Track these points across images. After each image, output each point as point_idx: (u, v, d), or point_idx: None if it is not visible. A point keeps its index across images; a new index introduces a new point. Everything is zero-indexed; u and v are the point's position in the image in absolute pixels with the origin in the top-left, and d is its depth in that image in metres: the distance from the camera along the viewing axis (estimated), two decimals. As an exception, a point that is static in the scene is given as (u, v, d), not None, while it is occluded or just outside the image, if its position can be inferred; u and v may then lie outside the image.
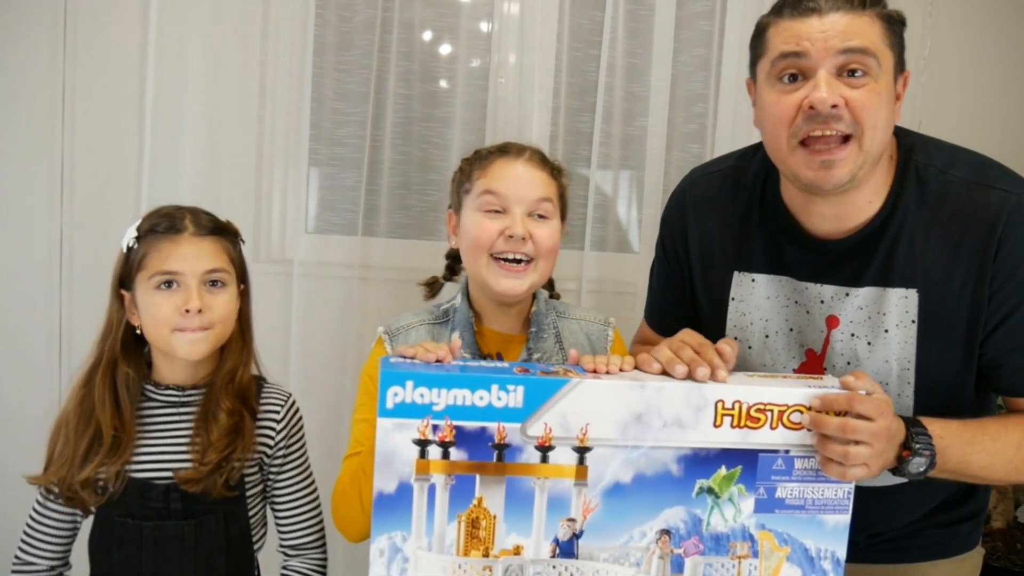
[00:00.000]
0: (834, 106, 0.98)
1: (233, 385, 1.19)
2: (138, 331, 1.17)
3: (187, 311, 1.12)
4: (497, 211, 1.16)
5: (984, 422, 1.06)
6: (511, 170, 1.17)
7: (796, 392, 0.93)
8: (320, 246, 2.04)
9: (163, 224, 1.16)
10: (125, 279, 1.17)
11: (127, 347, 1.18)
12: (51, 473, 1.15)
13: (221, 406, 1.17)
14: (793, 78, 1.02)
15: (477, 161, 1.21)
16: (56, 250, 1.94)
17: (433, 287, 1.35)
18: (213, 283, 1.16)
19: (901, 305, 1.07)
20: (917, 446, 0.97)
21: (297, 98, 1.95)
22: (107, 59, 1.91)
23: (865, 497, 1.01)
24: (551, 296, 1.31)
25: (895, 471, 0.98)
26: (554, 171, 1.21)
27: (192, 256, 1.15)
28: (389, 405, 0.89)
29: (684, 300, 1.29)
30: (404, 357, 0.96)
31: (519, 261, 1.15)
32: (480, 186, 1.17)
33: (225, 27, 1.90)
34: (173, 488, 1.14)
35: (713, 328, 1.21)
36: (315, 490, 1.28)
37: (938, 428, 1.00)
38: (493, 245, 1.14)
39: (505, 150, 1.20)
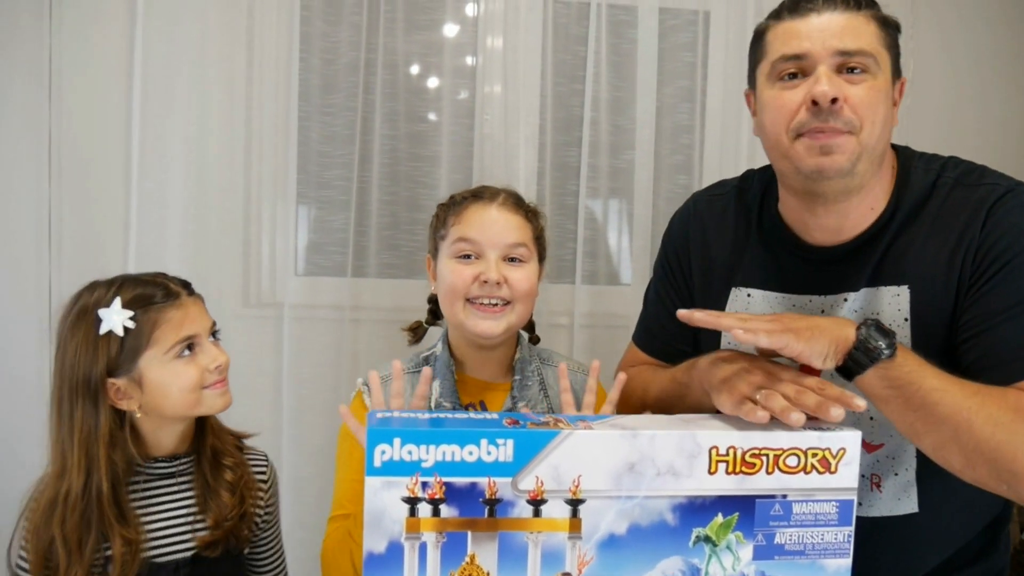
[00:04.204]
0: (834, 100, 0.99)
1: (221, 441, 1.20)
2: (138, 414, 1.10)
3: (216, 367, 1.12)
4: (471, 256, 1.15)
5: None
6: (485, 215, 1.17)
7: (790, 436, 0.91)
8: (310, 288, 2.03)
9: (159, 294, 1.12)
10: (119, 365, 1.08)
11: (115, 442, 1.09)
12: None
13: (223, 462, 1.17)
14: (793, 76, 1.03)
15: (452, 207, 1.20)
16: (45, 298, 1.92)
17: (417, 332, 1.34)
18: (214, 335, 1.17)
19: (893, 303, 1.07)
20: (871, 322, 0.93)
21: (283, 142, 1.95)
22: (92, 105, 1.91)
23: (871, 537, 0.97)
24: (531, 340, 1.29)
25: (857, 349, 0.93)
26: (529, 213, 1.21)
27: (198, 316, 1.15)
28: (377, 463, 0.87)
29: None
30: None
31: (495, 304, 1.14)
32: (455, 233, 1.17)
33: (209, 74, 1.91)
34: (183, 563, 1.12)
35: (711, 347, 1.20)
36: (283, 548, 1.32)
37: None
38: (468, 290, 1.15)
39: (479, 195, 1.20)
